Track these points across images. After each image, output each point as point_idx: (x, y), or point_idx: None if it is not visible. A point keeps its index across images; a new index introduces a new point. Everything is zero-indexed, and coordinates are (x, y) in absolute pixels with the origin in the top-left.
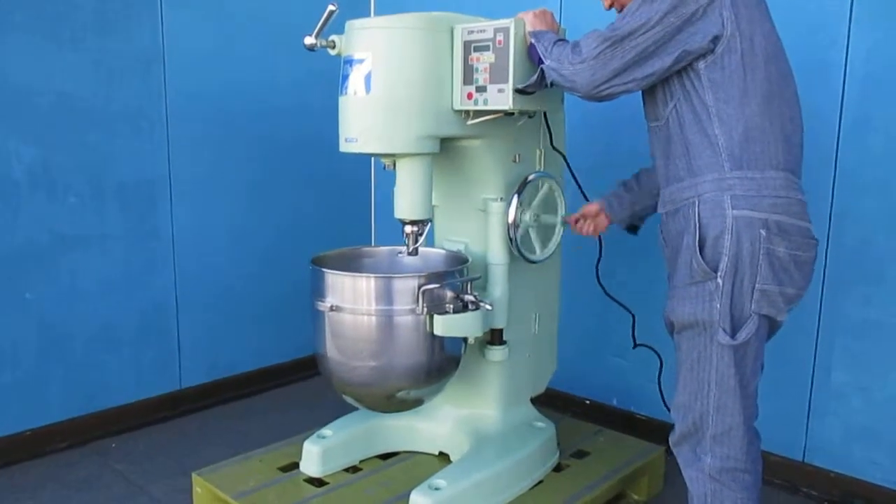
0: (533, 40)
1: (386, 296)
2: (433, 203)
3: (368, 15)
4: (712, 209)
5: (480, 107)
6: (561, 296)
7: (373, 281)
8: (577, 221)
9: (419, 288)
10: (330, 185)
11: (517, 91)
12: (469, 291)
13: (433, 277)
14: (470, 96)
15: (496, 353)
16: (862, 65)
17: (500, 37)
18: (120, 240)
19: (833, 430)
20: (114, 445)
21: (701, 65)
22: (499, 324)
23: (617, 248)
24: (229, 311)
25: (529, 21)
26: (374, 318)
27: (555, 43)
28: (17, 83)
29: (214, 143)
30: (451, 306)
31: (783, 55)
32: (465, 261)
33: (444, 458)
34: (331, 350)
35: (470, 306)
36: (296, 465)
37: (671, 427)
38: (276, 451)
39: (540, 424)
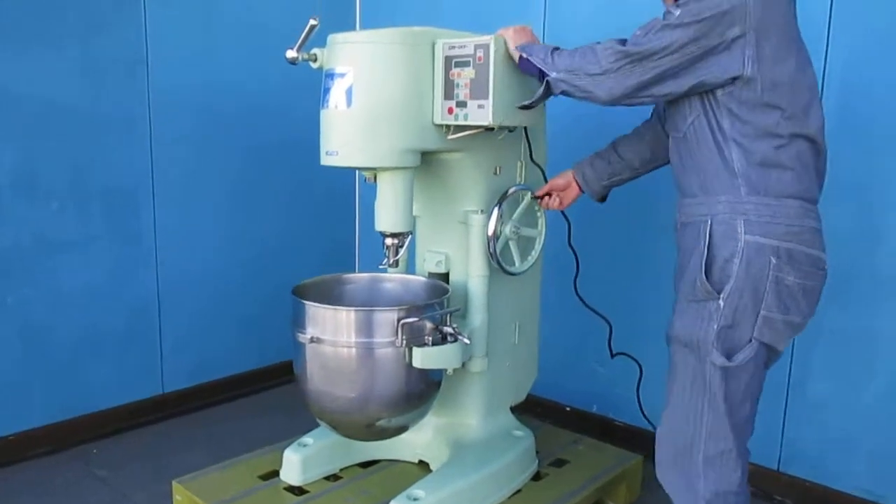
0: (524, 54)
1: (366, 328)
2: (414, 214)
3: (354, 28)
4: (725, 231)
5: (461, 122)
6: (541, 305)
7: (353, 314)
8: (543, 197)
9: (399, 321)
10: (314, 189)
11: (521, 107)
12: (448, 323)
13: (413, 310)
14: (450, 111)
15: (476, 364)
16: (840, 72)
17: (480, 53)
18: (103, 244)
19: (809, 439)
20: (95, 451)
21: (720, 93)
22: (478, 353)
23: (595, 258)
24: (212, 314)
25: (511, 37)
26: (353, 350)
27: (553, 53)
28: (0, 86)
29: (198, 145)
30: (430, 338)
31: (809, 79)
32: (445, 291)
33: (423, 466)
34: (311, 380)
35: (449, 338)
36: (276, 473)
37: (649, 434)
38: (256, 458)
39: (519, 433)
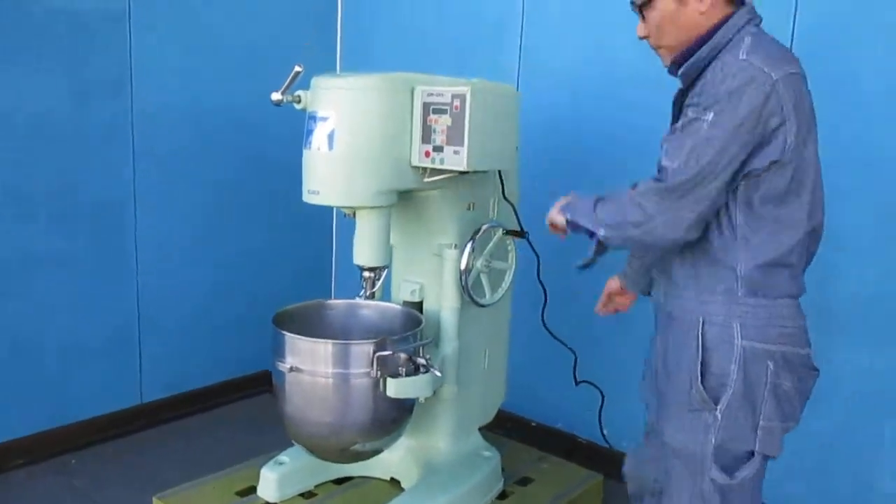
0: (569, 217)
1: (343, 360)
2: (392, 243)
3: (335, 69)
4: (720, 335)
5: (437, 165)
6: (512, 328)
7: (330, 346)
8: (605, 304)
9: (374, 353)
10: (292, 204)
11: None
12: (421, 354)
13: (387, 343)
14: (427, 154)
15: (446, 391)
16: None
17: (456, 102)
18: (88, 258)
19: None
20: (74, 462)
21: (743, 184)
22: (449, 380)
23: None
24: (190, 327)
25: (557, 211)
26: (330, 381)
27: (596, 206)
28: None
29: (179, 162)
30: (404, 369)
31: (818, 161)
32: (419, 322)
33: (395, 483)
34: (289, 406)
35: (421, 369)
36: (253, 489)
37: (609, 454)
38: (233, 474)
39: (486, 454)
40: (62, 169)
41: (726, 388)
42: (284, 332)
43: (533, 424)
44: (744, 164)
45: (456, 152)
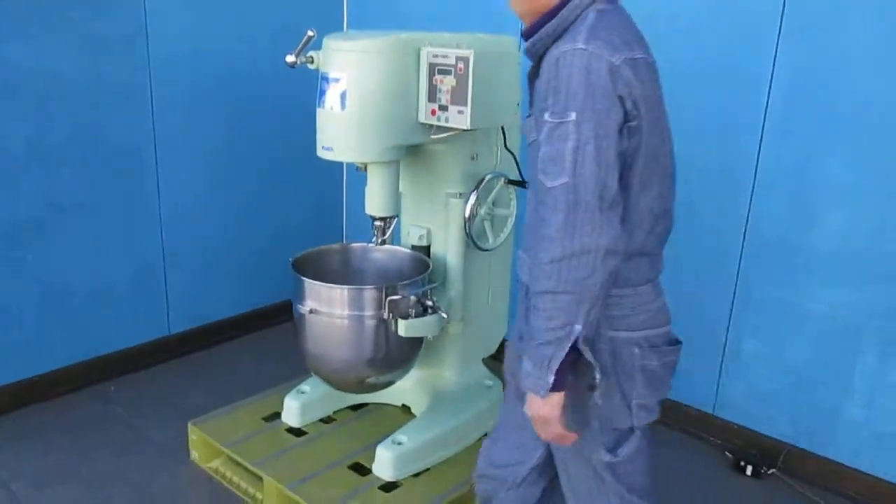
0: (543, 377)
1: (357, 303)
2: (400, 191)
3: (341, 27)
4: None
5: (442, 123)
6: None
7: (346, 291)
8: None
9: (385, 297)
10: (305, 144)
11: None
12: (429, 297)
13: (398, 288)
14: (433, 112)
15: (453, 327)
16: (787, 76)
17: (461, 64)
18: (112, 205)
19: (739, 390)
20: (112, 388)
21: None
22: (455, 317)
23: None
24: (213, 261)
25: (532, 402)
26: (346, 322)
27: (541, 332)
28: (10, 65)
29: (196, 109)
30: (413, 311)
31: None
32: (427, 266)
33: (406, 410)
34: (309, 345)
35: (429, 310)
36: (278, 415)
37: None
38: (260, 401)
39: (489, 382)
40: (83, 121)
41: (599, 375)
42: (303, 278)
43: None
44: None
45: (460, 112)
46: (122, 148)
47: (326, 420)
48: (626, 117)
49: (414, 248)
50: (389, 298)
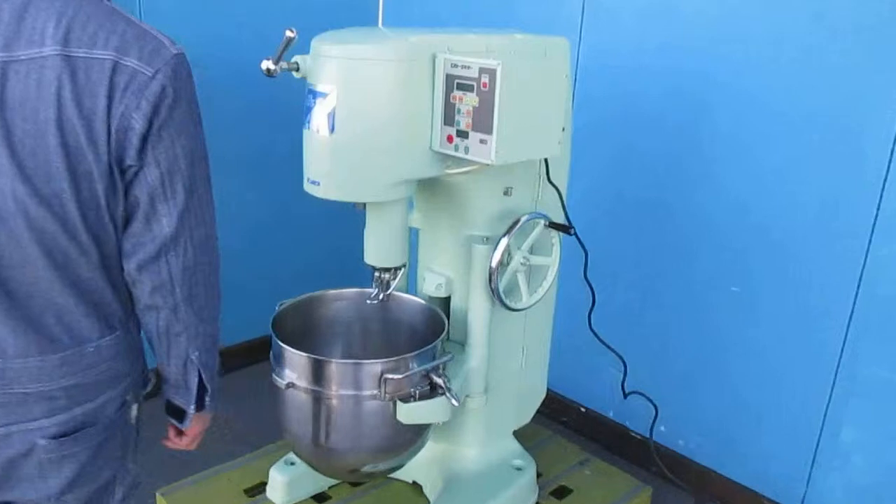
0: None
1: (348, 381)
2: (414, 225)
3: (376, 22)
4: None
5: (461, 154)
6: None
7: (333, 366)
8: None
9: (382, 374)
10: None
11: None
12: (441, 372)
13: (398, 364)
14: (450, 140)
15: (475, 401)
16: None
17: (485, 79)
18: None
19: (835, 485)
20: None
21: None
22: (476, 390)
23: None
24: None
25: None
26: (333, 402)
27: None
28: None
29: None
30: (418, 390)
31: None
32: (441, 327)
33: (418, 489)
34: (288, 423)
35: (439, 390)
36: (262, 487)
37: (663, 455)
38: (245, 465)
39: (519, 463)
40: None
41: None
42: (281, 343)
43: (582, 409)
44: None
45: (482, 141)
46: None
47: (319, 497)
48: None
49: (430, 299)
50: (386, 376)
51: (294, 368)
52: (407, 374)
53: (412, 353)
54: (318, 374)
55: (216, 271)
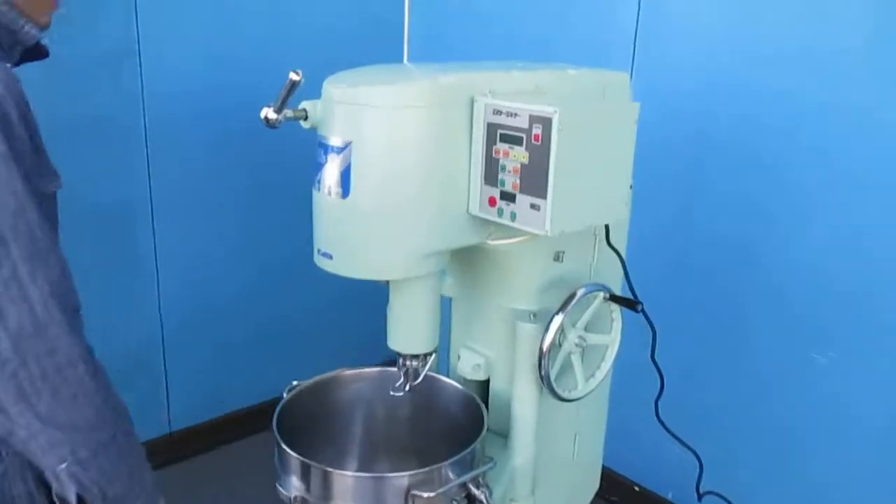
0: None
1: (367, 497)
2: (447, 293)
3: (401, 57)
4: None
5: (506, 221)
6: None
7: (349, 480)
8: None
9: (409, 491)
10: None
11: None
12: (480, 482)
13: (430, 477)
14: (493, 202)
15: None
16: None
17: (537, 130)
18: (93, 271)
19: None
20: None
21: None
22: (522, 493)
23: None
24: (224, 342)
25: None
26: None
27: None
28: None
29: (203, 153)
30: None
31: None
32: (480, 425)
33: None
34: None
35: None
36: None
37: None
38: None
39: None
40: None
41: None
42: (287, 449)
43: (636, 489)
44: None
45: (534, 206)
46: (106, 200)
47: None
48: None
49: (466, 382)
50: (413, 492)
51: (302, 478)
52: (440, 490)
53: (446, 462)
54: (331, 488)
55: (74, 364)
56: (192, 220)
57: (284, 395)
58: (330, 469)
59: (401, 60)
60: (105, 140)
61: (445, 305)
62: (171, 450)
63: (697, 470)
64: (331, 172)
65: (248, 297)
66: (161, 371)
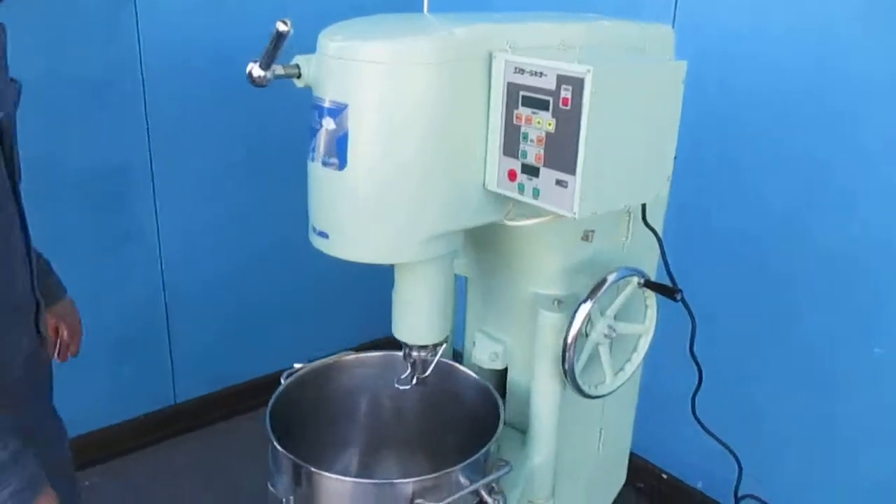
0: None
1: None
2: (460, 272)
3: (421, 6)
4: None
5: (528, 198)
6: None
7: (349, 485)
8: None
9: (413, 498)
10: None
11: None
12: (494, 490)
13: (438, 483)
14: (513, 176)
15: None
16: None
17: (566, 92)
18: (86, 243)
19: None
20: (87, 483)
21: None
22: (541, 495)
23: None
24: (229, 315)
25: None
26: None
27: None
28: None
29: (206, 115)
30: None
31: None
32: (495, 420)
33: None
34: None
35: None
36: None
37: None
38: None
39: None
40: (49, 130)
41: None
42: (280, 449)
43: (664, 476)
44: None
45: (560, 183)
46: (103, 167)
47: None
48: None
49: (482, 370)
50: (418, 501)
51: (296, 480)
52: (449, 499)
53: (456, 467)
54: (327, 493)
55: None
56: (195, 184)
57: (282, 381)
58: (326, 473)
59: (420, 9)
60: (100, 104)
61: (460, 284)
62: (177, 421)
63: (734, 466)
64: (327, 139)
65: (254, 266)
66: (165, 342)
